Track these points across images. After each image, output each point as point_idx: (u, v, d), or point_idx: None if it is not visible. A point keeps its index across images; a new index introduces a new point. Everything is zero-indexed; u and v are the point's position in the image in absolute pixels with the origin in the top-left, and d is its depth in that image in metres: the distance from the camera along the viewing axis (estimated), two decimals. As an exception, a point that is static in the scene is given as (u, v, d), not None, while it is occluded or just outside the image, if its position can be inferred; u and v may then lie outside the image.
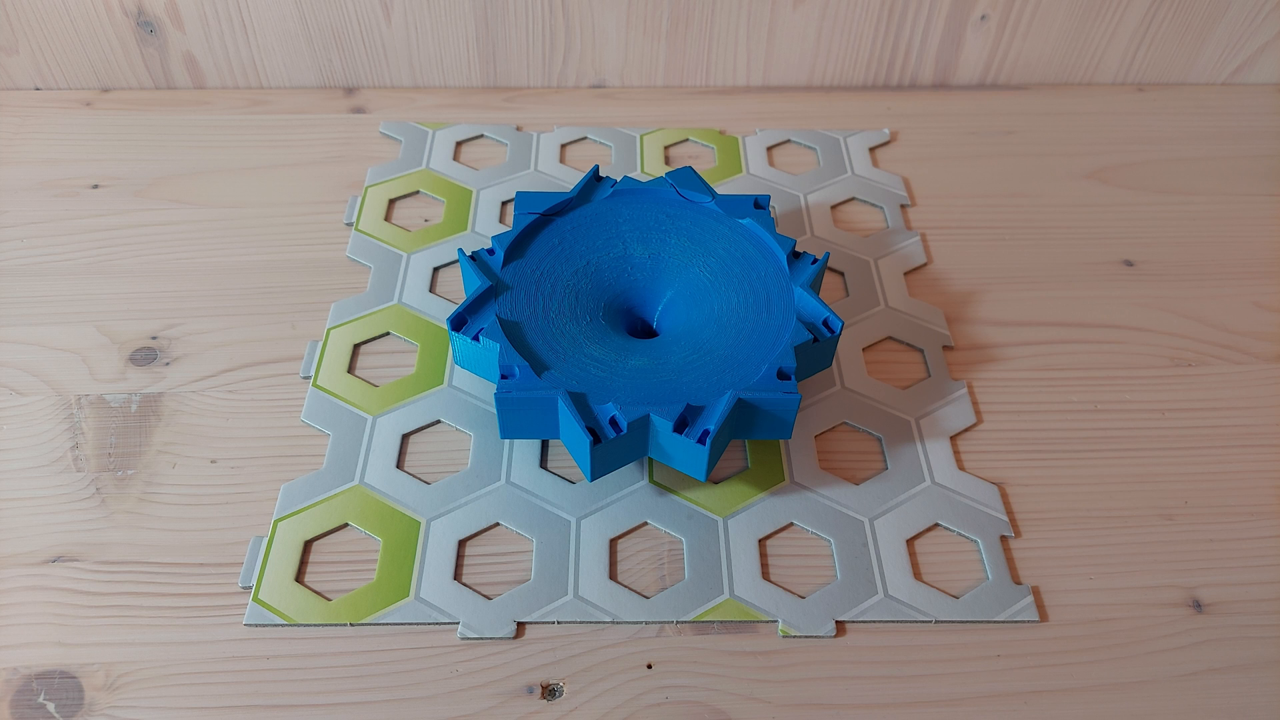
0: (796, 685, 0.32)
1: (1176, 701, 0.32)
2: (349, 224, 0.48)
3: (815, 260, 0.39)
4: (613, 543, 0.36)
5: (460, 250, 0.39)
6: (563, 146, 0.54)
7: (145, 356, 0.42)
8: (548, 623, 0.34)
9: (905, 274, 0.47)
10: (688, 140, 0.54)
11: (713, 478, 0.38)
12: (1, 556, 0.35)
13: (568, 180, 0.51)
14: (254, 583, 0.34)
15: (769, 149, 0.54)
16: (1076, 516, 0.37)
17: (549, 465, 0.38)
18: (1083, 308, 0.45)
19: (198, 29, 0.54)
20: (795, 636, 0.33)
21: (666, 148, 0.54)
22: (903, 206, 0.51)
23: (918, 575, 0.35)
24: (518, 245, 0.40)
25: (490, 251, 0.39)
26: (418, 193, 0.50)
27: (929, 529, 0.37)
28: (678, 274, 0.40)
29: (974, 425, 0.40)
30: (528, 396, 0.34)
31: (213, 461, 0.38)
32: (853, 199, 0.51)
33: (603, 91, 0.58)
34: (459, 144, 0.54)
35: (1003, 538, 0.37)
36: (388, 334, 0.43)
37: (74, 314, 0.43)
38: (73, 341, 0.42)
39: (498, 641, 0.33)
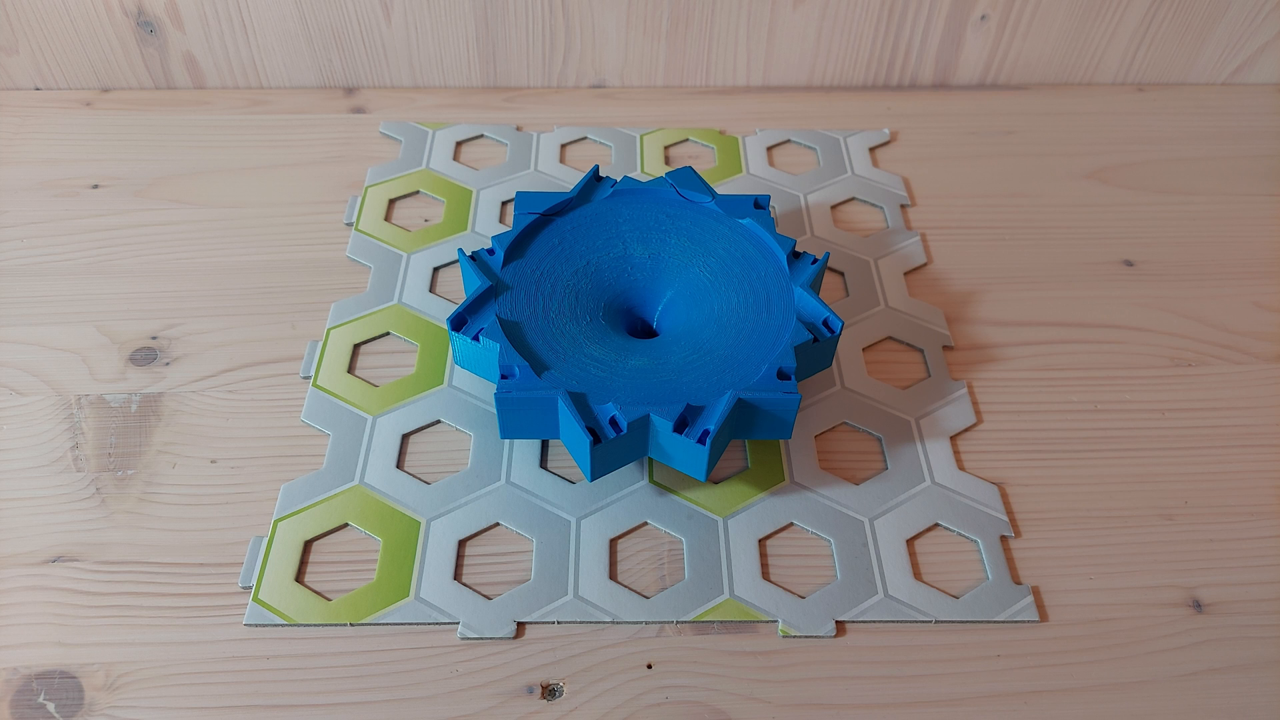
0: (796, 685, 0.32)
1: (1176, 701, 0.32)
2: (349, 224, 0.48)
3: (815, 260, 0.39)
4: (613, 543, 0.36)
5: (460, 250, 0.39)
6: (563, 146, 0.54)
7: (145, 356, 0.42)
8: (548, 623, 0.34)
9: (905, 274, 0.47)
10: (688, 140, 0.54)
11: (713, 478, 0.38)
12: (1, 556, 0.35)
13: (568, 180, 0.51)
14: (254, 583, 0.34)
15: (769, 149, 0.54)
16: (1076, 516, 0.37)
17: (549, 465, 0.38)
18: (1083, 308, 0.46)
19: (198, 29, 0.54)
20: (795, 636, 0.33)
21: (666, 148, 0.54)
22: (903, 206, 0.51)
23: (918, 575, 0.35)
24: (518, 245, 0.40)
25: (490, 251, 0.39)
26: (418, 193, 0.50)
27: (929, 529, 0.37)
28: (678, 274, 0.40)
29: (974, 425, 0.40)
30: (528, 396, 0.34)
31: (213, 461, 0.38)
32: (853, 199, 0.51)
33: (603, 91, 0.58)
34: (459, 144, 0.54)
35: (1003, 538, 0.37)
36: (388, 334, 0.43)
37: (74, 314, 0.43)
38: (73, 341, 0.42)
39: (498, 641, 0.33)
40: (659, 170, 0.52)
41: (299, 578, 0.35)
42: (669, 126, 0.55)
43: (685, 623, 0.34)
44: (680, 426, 0.33)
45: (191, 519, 0.36)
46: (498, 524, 0.36)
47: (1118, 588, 0.35)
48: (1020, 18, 0.56)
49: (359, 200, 0.49)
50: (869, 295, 0.45)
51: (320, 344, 0.42)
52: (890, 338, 0.44)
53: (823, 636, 0.34)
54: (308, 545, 0.36)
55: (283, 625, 0.33)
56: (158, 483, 0.37)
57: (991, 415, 0.41)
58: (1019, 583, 0.35)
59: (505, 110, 0.56)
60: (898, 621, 0.34)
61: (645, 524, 0.37)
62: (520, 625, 0.34)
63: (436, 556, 0.35)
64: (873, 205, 0.51)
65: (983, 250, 0.48)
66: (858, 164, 0.53)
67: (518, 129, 0.55)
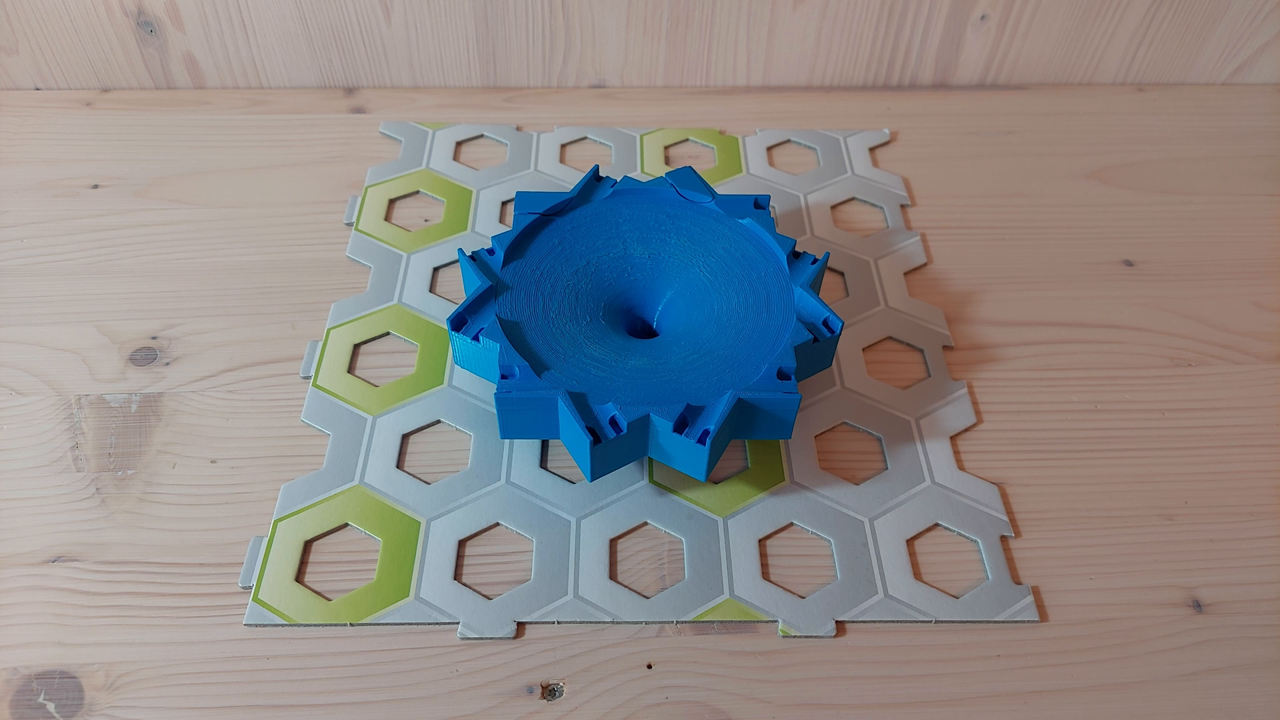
0: (796, 685, 0.32)
1: (1176, 701, 0.32)
2: (349, 224, 0.48)
3: (815, 260, 0.39)
4: (613, 543, 0.36)
5: (460, 250, 0.39)
6: (563, 146, 0.54)
7: (145, 356, 0.42)
8: (548, 623, 0.34)
9: (905, 274, 0.47)
10: (688, 140, 0.54)
11: (713, 478, 0.38)
12: (1, 556, 0.35)
13: (568, 180, 0.51)
14: (254, 583, 0.34)
15: (769, 149, 0.54)
16: (1076, 516, 0.37)
17: (549, 465, 0.38)
18: (1083, 308, 0.46)
19: (198, 29, 0.54)
20: (795, 636, 0.33)
21: (666, 148, 0.54)
22: (903, 206, 0.51)
23: (918, 575, 0.35)
24: (518, 245, 0.40)
25: (490, 251, 0.39)
26: (418, 193, 0.50)
27: (929, 529, 0.37)
28: (678, 274, 0.40)
29: (974, 425, 0.40)
30: (528, 396, 0.34)
31: (213, 461, 0.38)
32: (853, 199, 0.51)
33: (603, 91, 0.58)
34: (459, 144, 0.54)
35: (1003, 538, 0.37)
36: (388, 334, 0.43)
37: (74, 314, 0.43)
38: (73, 341, 0.42)
39: (498, 641, 0.33)
40: (659, 170, 0.52)
41: (299, 578, 0.35)
42: (669, 126, 0.55)
43: (685, 623, 0.34)
44: (680, 426, 0.33)
45: (191, 519, 0.36)
46: (498, 524, 0.36)
47: (1118, 588, 0.35)
48: (1020, 18, 0.56)
49: (359, 200, 0.49)
50: (869, 295, 0.45)
51: (320, 344, 0.42)
52: (890, 338, 0.44)
53: (823, 636, 0.34)
54: (308, 545, 0.36)
55: (283, 625, 0.33)
56: (158, 483, 0.37)
57: (991, 415, 0.41)
58: (1019, 583, 0.35)
59: (505, 110, 0.56)
60: (898, 621, 0.34)
61: (645, 524, 0.37)
62: (520, 625, 0.34)
63: (436, 556, 0.35)
64: (873, 205, 0.51)
65: (983, 250, 0.48)
66: (858, 164, 0.53)
67: (518, 129, 0.55)
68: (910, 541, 0.36)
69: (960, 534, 0.37)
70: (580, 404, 0.34)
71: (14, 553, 0.35)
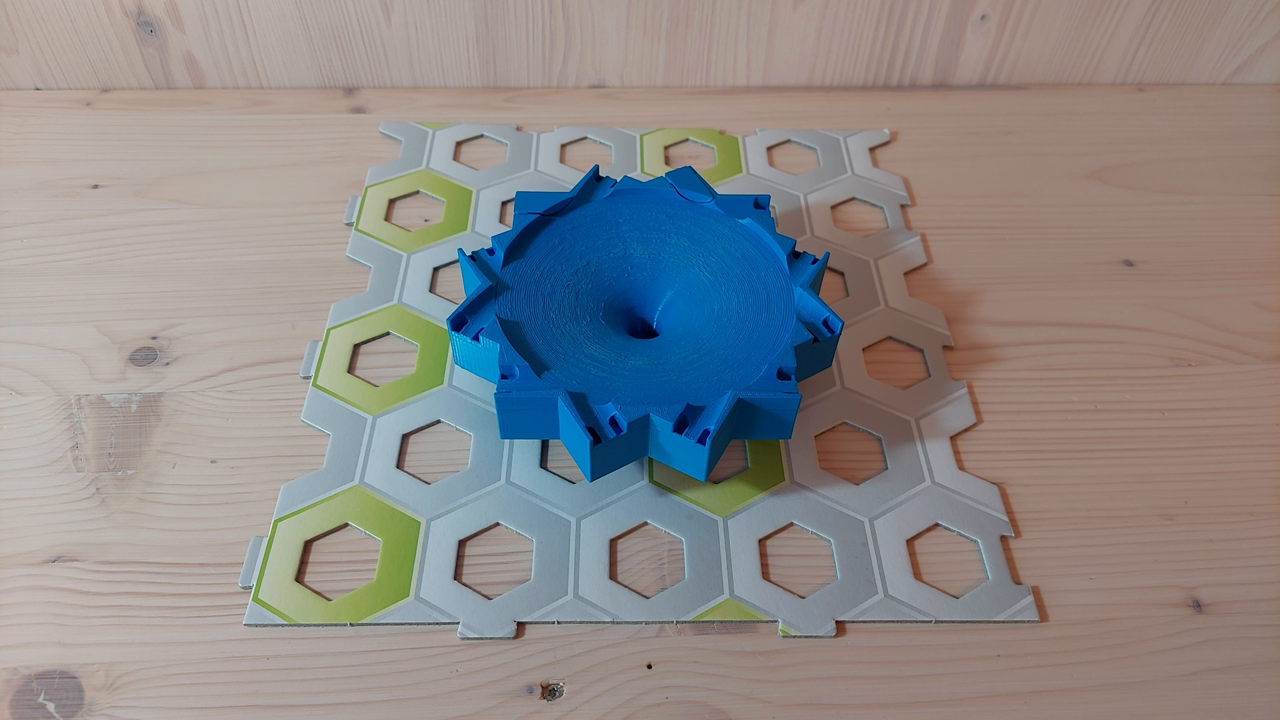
0: (796, 685, 0.32)
1: (1176, 701, 0.32)
2: (349, 224, 0.48)
3: (815, 260, 0.39)
4: (613, 543, 0.36)
5: (460, 250, 0.39)
6: (563, 146, 0.54)
7: (145, 356, 0.42)
8: (548, 623, 0.34)
9: (905, 274, 0.47)
10: (688, 140, 0.54)
11: (713, 478, 0.38)
12: (1, 556, 0.35)
13: (568, 180, 0.51)
14: (254, 583, 0.34)
15: (769, 149, 0.54)
16: (1076, 516, 0.37)
17: (549, 465, 0.38)
18: (1083, 308, 0.46)
19: (198, 29, 0.54)
20: (795, 636, 0.33)
21: (666, 148, 0.54)
22: (903, 206, 0.51)
23: (918, 575, 0.35)
24: (518, 245, 0.40)
25: (490, 251, 0.39)
26: (418, 193, 0.50)
27: (929, 529, 0.37)
28: (678, 274, 0.40)
29: (974, 425, 0.40)
30: (528, 396, 0.34)
31: (213, 461, 0.38)
32: (853, 199, 0.51)
33: (603, 91, 0.58)
34: (459, 144, 0.54)
35: (1003, 538, 0.37)
36: (388, 334, 0.43)
37: (74, 314, 0.43)
38: (73, 341, 0.42)
39: (498, 641, 0.33)
40: (659, 170, 0.52)
41: (299, 578, 0.35)
42: (669, 126, 0.55)
43: (685, 623, 0.34)
44: (680, 426, 0.33)
45: (191, 519, 0.36)
46: (498, 524, 0.36)
47: (1118, 588, 0.35)
48: (1020, 18, 0.56)
49: (359, 200, 0.49)
50: (869, 295, 0.45)
51: (320, 344, 0.42)
52: (890, 338, 0.44)
53: (823, 636, 0.33)
54: (308, 545, 0.36)
55: (283, 625, 0.33)
56: (158, 483, 0.37)
57: (991, 415, 0.41)
58: (1019, 583, 0.35)
59: (505, 110, 0.56)
60: (898, 621, 0.34)
61: (645, 524, 0.37)
62: (520, 625, 0.34)
63: (436, 556, 0.35)
64: (873, 205, 0.51)
65: (983, 250, 0.48)
66: (858, 164, 0.53)
67: (518, 129, 0.55)
68: (910, 541, 0.36)
69: (960, 534, 0.37)
70: (580, 404, 0.34)
71: (14, 553, 0.35)
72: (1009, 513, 0.37)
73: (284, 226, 0.48)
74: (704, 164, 0.53)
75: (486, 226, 0.49)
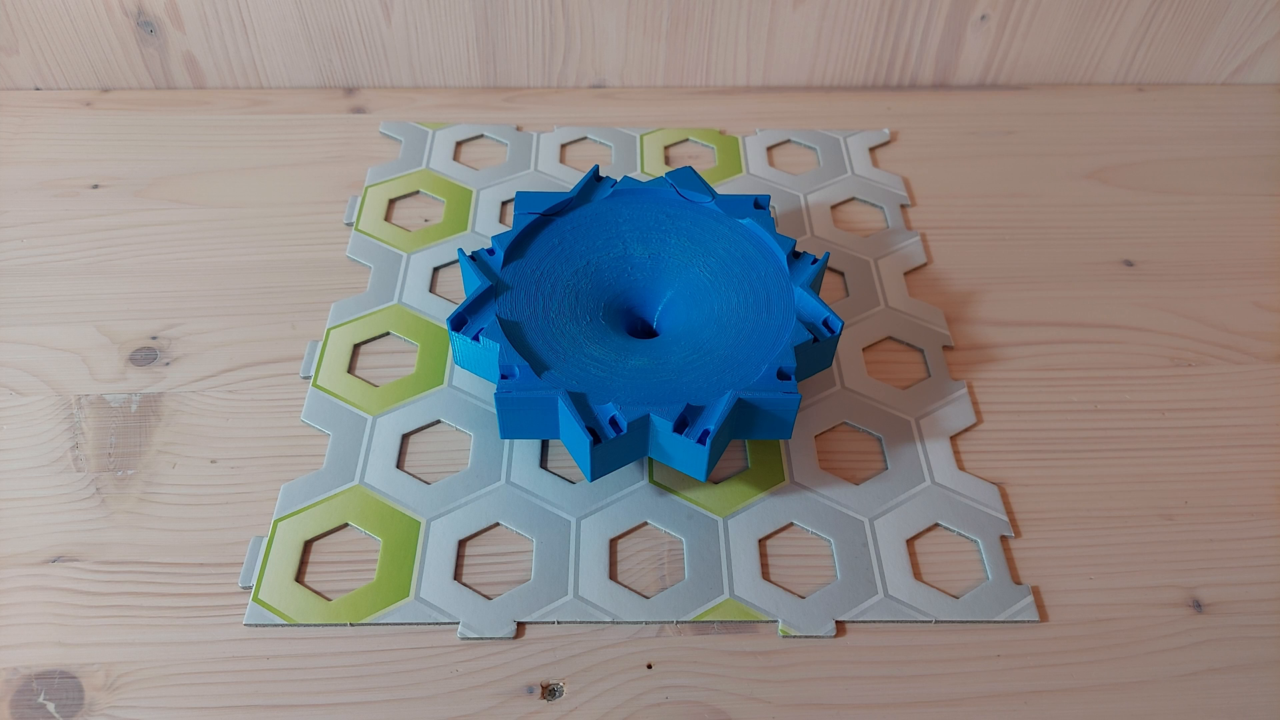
0: (796, 685, 0.32)
1: (1176, 701, 0.32)
2: (349, 224, 0.48)
3: (815, 260, 0.39)
4: (613, 543, 0.36)
5: (460, 250, 0.39)
6: (563, 146, 0.54)
7: (145, 356, 0.42)
8: (548, 623, 0.34)
9: (905, 274, 0.47)
10: (688, 140, 0.54)
11: (713, 478, 0.38)
12: (1, 556, 0.35)
13: (568, 180, 0.51)
14: (254, 583, 0.34)
15: (769, 149, 0.54)
16: (1076, 516, 0.37)
17: (549, 465, 0.38)
18: (1083, 308, 0.46)
19: (198, 29, 0.54)
20: (795, 636, 0.33)
21: (666, 148, 0.54)
22: (903, 206, 0.51)
23: (918, 575, 0.35)
24: (518, 245, 0.40)
25: (490, 251, 0.39)
26: (418, 193, 0.50)
27: (929, 529, 0.37)
28: (678, 274, 0.40)
29: (974, 425, 0.40)
30: (528, 396, 0.34)
31: (213, 461, 0.38)
32: (853, 199, 0.51)
33: (603, 91, 0.58)
34: (459, 144, 0.54)
35: (1003, 538, 0.37)
36: (388, 334, 0.43)
37: (74, 314, 0.43)
38: (73, 341, 0.42)
39: (498, 641, 0.33)
40: (659, 170, 0.52)
41: (299, 578, 0.35)
42: (669, 126, 0.55)
43: (685, 623, 0.34)
44: (680, 426, 0.33)
45: (191, 519, 0.36)
46: (498, 524, 0.36)
47: (1118, 588, 0.35)
48: (1020, 18, 0.56)
49: (359, 200, 0.49)
50: (869, 295, 0.45)
51: (320, 344, 0.42)
52: (890, 338, 0.44)
53: (823, 636, 0.34)
54: (308, 545, 0.36)
55: (283, 625, 0.33)
56: (158, 483, 0.37)
57: (991, 415, 0.41)
58: (1019, 583, 0.35)
59: (505, 110, 0.56)
60: (898, 621, 0.34)
61: (645, 524, 0.37)
62: (520, 625, 0.34)
63: (436, 556, 0.35)
64: (873, 205, 0.51)
65: (983, 250, 0.48)
66: (858, 164, 0.53)
67: (518, 129, 0.55)
68: (910, 541, 0.36)
69: (960, 534, 0.37)
70: (580, 404, 0.34)
71: (14, 553, 0.35)
72: (1009, 513, 0.37)
73: (284, 226, 0.48)
74: (704, 164, 0.53)
75: (486, 226, 0.49)
